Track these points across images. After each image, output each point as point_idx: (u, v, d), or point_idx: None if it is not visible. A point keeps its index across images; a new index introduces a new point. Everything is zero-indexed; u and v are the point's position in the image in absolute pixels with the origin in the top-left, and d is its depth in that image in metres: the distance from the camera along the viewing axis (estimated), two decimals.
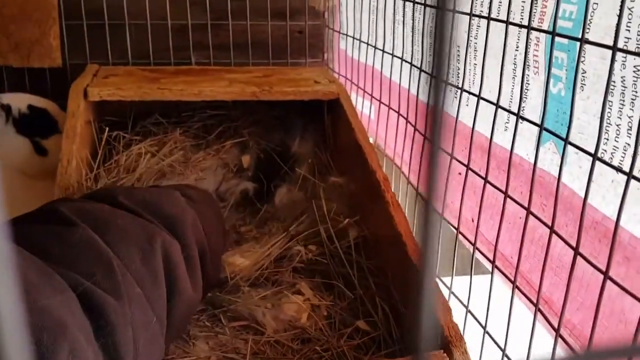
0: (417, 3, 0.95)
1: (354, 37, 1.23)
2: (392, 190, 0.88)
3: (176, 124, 1.12)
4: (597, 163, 0.54)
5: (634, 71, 0.53)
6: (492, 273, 0.74)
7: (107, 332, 0.50)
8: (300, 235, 0.91)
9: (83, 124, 0.97)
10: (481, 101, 0.75)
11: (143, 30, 1.28)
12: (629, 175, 0.50)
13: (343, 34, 1.29)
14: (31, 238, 0.53)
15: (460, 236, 0.84)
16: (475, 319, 0.79)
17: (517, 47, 0.72)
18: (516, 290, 0.70)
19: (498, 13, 0.75)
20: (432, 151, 0.17)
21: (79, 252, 0.54)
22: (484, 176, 0.74)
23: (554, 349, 0.62)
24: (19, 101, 1.10)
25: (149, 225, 0.63)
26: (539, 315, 0.66)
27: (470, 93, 0.78)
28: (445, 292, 0.85)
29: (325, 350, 0.73)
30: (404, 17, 0.99)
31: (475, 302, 0.80)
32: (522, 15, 0.72)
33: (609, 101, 0.54)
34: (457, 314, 0.82)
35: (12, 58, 1.22)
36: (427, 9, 0.92)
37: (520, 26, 0.67)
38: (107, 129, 1.02)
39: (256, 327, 0.77)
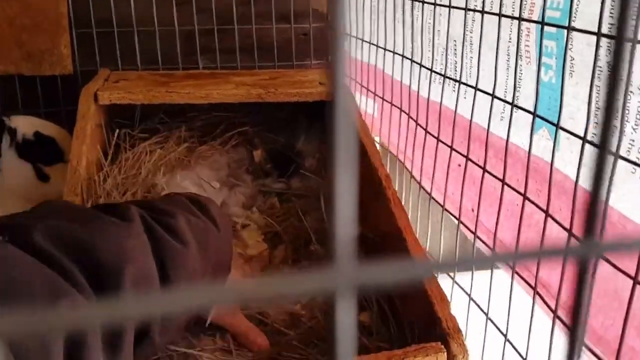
0: (417, 0, 0.97)
1: (357, 38, 1.25)
2: (395, 187, 0.90)
3: (181, 123, 1.15)
4: (587, 146, 0.56)
5: None
6: (492, 261, 0.76)
7: None
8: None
9: (93, 126, 0.99)
10: (478, 93, 0.77)
11: (151, 37, 1.31)
12: (616, 156, 0.51)
13: (347, 35, 1.31)
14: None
15: (461, 226, 0.86)
16: (478, 306, 0.80)
17: (510, 39, 0.74)
18: (515, 275, 0.72)
19: (491, 7, 0.77)
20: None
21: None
22: (482, 166, 0.76)
23: (552, 331, 0.64)
24: (27, 126, 1.11)
25: (58, 280, 0.48)
26: (537, 299, 0.67)
27: (468, 85, 0.80)
28: (448, 282, 0.86)
29: (320, 339, 0.76)
30: (403, 15, 1.01)
31: (476, 291, 0.82)
32: (513, 8, 0.74)
33: (597, 86, 0.55)
34: (461, 303, 0.83)
35: (24, 67, 1.25)
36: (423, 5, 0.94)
37: (512, 17, 0.68)
38: (117, 130, 1.05)
39: (258, 317, 0.81)
